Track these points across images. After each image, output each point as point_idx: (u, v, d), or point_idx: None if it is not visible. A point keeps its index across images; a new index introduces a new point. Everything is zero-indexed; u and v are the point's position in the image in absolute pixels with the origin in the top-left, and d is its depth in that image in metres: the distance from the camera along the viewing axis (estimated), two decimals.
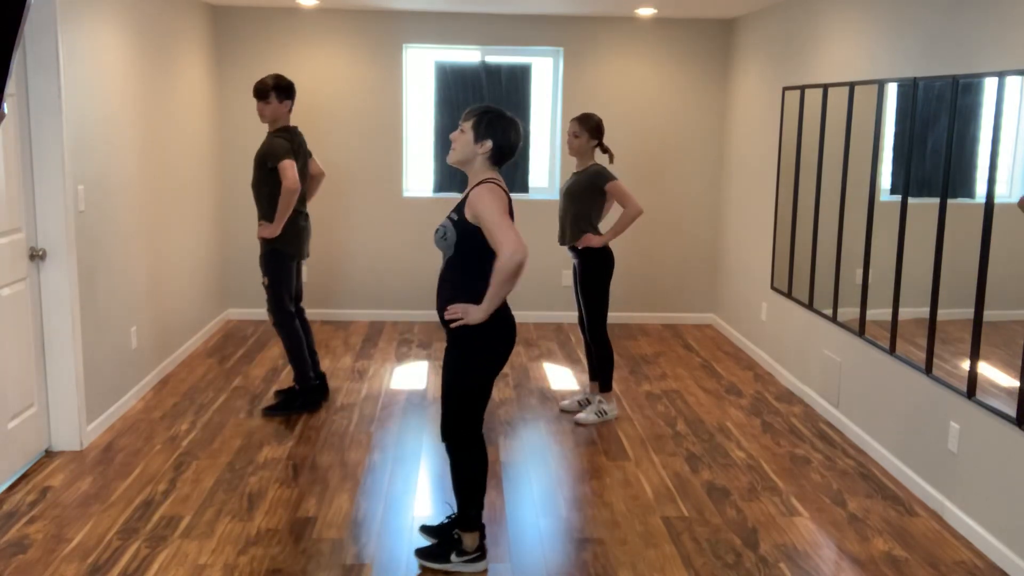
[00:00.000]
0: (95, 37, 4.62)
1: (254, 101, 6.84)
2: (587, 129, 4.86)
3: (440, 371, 5.87)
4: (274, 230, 4.82)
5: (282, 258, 4.93)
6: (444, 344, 6.51)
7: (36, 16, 4.06)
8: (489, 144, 3.21)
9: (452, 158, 3.27)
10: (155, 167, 5.49)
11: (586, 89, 7.01)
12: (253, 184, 4.93)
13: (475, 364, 3.30)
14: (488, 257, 3.19)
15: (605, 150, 4.96)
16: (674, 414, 5.18)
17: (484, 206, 3.12)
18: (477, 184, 3.21)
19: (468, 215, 3.18)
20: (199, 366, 5.90)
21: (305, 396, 5.08)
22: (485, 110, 3.23)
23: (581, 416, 5.00)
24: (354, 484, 4.13)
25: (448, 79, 6.98)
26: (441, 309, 3.30)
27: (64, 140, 4.22)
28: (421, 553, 3.46)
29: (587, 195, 4.84)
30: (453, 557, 3.41)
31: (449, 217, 3.25)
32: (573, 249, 4.93)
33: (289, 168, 4.73)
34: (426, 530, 3.60)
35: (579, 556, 3.53)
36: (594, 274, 4.91)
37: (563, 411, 5.15)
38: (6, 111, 2.30)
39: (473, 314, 3.18)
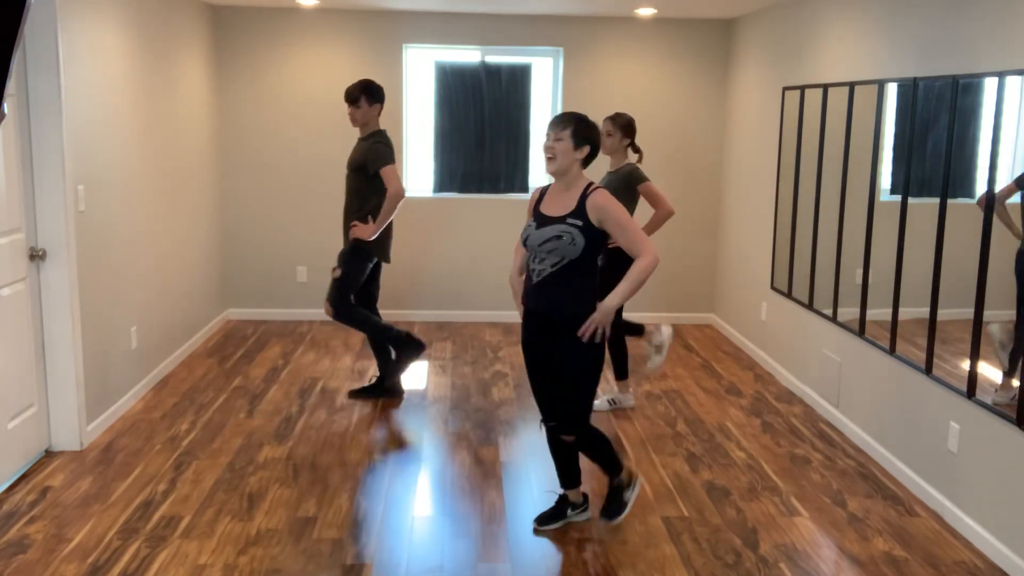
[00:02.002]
0: (95, 37, 4.62)
1: (254, 101, 6.92)
2: (619, 127, 4.88)
3: (442, 371, 5.89)
4: (373, 232, 4.90)
5: (365, 256, 5.03)
6: (446, 344, 6.54)
7: (36, 16, 4.06)
8: (587, 149, 3.43)
9: (554, 167, 3.43)
10: (155, 167, 5.49)
11: (586, 89, 7.01)
12: (349, 187, 5.01)
13: (600, 354, 3.49)
14: (597, 257, 3.47)
15: (636, 149, 4.96)
16: (674, 414, 5.18)
17: (617, 211, 3.37)
18: (589, 189, 3.42)
19: (593, 219, 3.37)
20: (199, 366, 5.90)
21: (404, 345, 5.20)
22: (579, 118, 3.44)
23: (595, 403, 5.04)
24: (354, 484, 4.13)
25: (448, 79, 6.98)
26: (557, 310, 3.44)
27: (64, 140, 4.22)
28: (607, 513, 3.66)
29: (622, 196, 4.82)
30: (626, 495, 3.67)
31: (570, 223, 3.38)
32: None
33: (394, 174, 4.85)
34: (545, 520, 3.75)
35: (579, 556, 3.53)
36: (622, 272, 4.92)
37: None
38: (6, 111, 2.29)
39: (602, 318, 3.38)
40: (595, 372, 3.52)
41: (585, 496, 3.82)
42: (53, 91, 4.16)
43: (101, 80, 4.69)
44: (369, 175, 4.90)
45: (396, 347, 5.22)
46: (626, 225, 3.38)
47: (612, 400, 5.15)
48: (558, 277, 3.42)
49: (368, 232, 4.90)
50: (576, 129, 3.40)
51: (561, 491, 3.80)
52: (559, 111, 7.07)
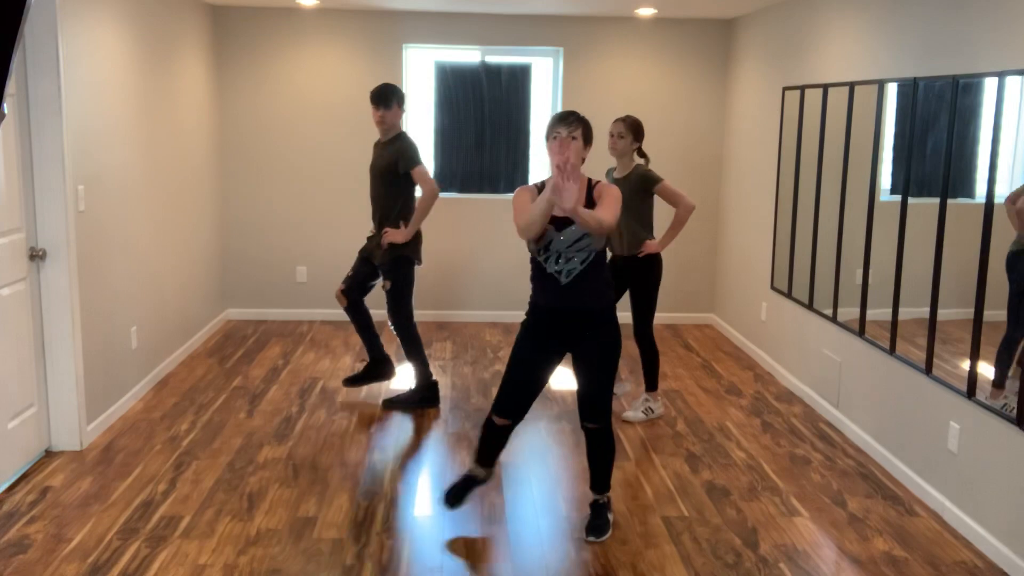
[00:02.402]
0: (95, 37, 4.62)
1: (254, 101, 6.92)
2: (630, 129, 4.85)
3: (442, 371, 5.88)
4: (407, 235, 4.88)
5: (409, 264, 5.02)
6: (446, 344, 6.54)
7: (36, 16, 4.06)
8: (589, 148, 3.55)
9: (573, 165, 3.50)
10: (155, 167, 5.49)
11: (586, 89, 7.01)
12: (378, 193, 4.96)
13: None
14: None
15: (642, 154, 4.95)
16: (674, 414, 5.18)
17: (615, 193, 3.47)
18: (593, 182, 3.55)
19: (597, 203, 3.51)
20: (199, 366, 5.90)
21: (424, 393, 5.19)
22: (584, 119, 3.53)
23: (629, 414, 5.04)
24: (354, 484, 4.14)
25: (448, 79, 6.98)
26: (595, 303, 3.55)
27: (64, 140, 4.22)
28: (596, 530, 3.67)
29: (638, 200, 4.84)
30: (609, 515, 3.76)
31: None
32: (625, 258, 4.91)
33: (426, 172, 4.85)
34: (458, 497, 3.77)
35: (579, 556, 3.53)
36: (650, 279, 4.95)
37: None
38: (6, 111, 2.30)
39: (558, 198, 3.45)
40: (616, 366, 3.65)
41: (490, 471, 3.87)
42: (53, 91, 4.17)
43: (101, 80, 4.69)
44: (398, 177, 4.88)
45: (419, 384, 5.19)
46: (613, 205, 3.40)
47: (646, 410, 5.11)
48: (589, 272, 3.50)
49: (403, 236, 4.88)
50: (586, 129, 3.50)
51: (472, 469, 3.79)
52: (559, 111, 7.06)
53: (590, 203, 3.47)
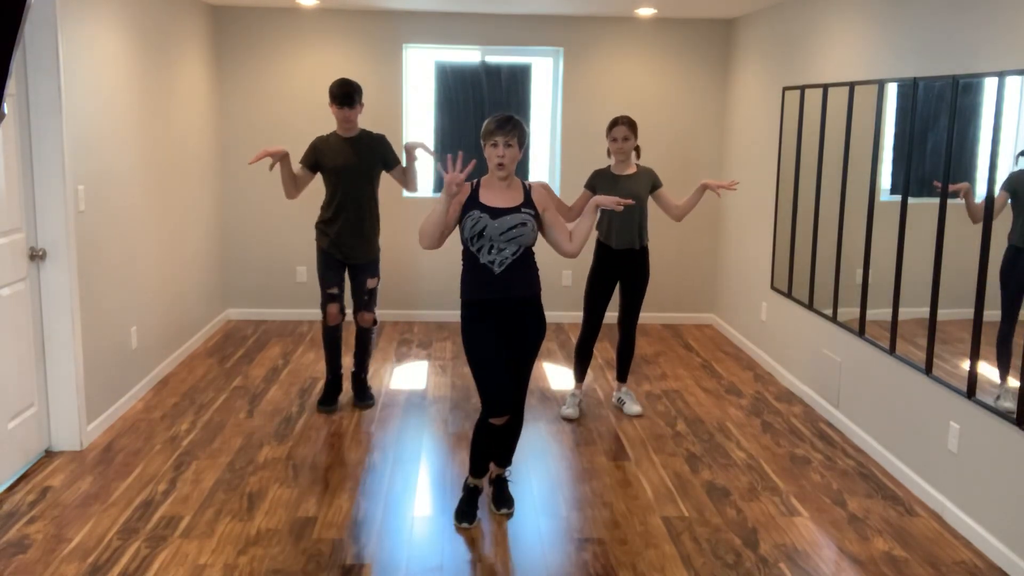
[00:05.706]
0: (95, 37, 4.62)
1: (254, 101, 6.91)
2: (633, 131, 4.91)
3: (442, 371, 5.88)
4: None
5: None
6: (446, 344, 6.54)
7: (36, 16, 4.06)
8: (523, 150, 3.63)
9: (508, 171, 3.58)
10: (155, 167, 5.49)
11: (586, 89, 7.01)
12: (361, 193, 4.91)
13: None
14: None
15: (636, 148, 5.03)
16: (674, 414, 5.18)
17: (554, 195, 3.70)
18: (527, 183, 3.68)
19: (539, 207, 3.63)
20: (199, 366, 5.90)
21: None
22: (521, 123, 3.57)
23: (634, 409, 5.11)
24: (354, 484, 4.14)
25: (448, 79, 6.98)
26: (527, 291, 3.63)
27: (64, 140, 4.22)
28: (507, 503, 3.88)
29: (646, 195, 4.95)
30: (509, 490, 3.97)
31: (525, 212, 3.58)
32: (625, 251, 4.93)
33: None
34: (471, 516, 3.81)
35: (579, 556, 3.53)
36: (647, 270, 5.05)
37: (566, 419, 5.10)
38: (6, 111, 2.29)
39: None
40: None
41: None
42: (53, 91, 4.16)
43: (101, 80, 4.69)
44: (378, 175, 4.93)
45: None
46: (564, 209, 3.66)
47: (638, 402, 5.24)
48: (520, 263, 3.59)
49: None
50: (521, 135, 3.56)
51: (472, 481, 3.87)
52: (559, 111, 7.07)
53: (528, 204, 3.58)
